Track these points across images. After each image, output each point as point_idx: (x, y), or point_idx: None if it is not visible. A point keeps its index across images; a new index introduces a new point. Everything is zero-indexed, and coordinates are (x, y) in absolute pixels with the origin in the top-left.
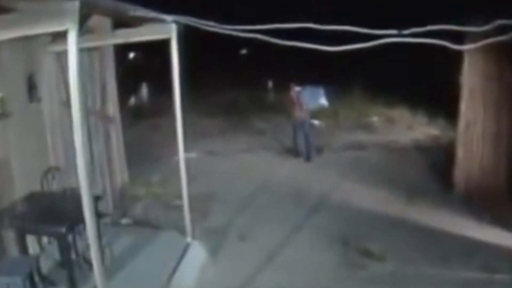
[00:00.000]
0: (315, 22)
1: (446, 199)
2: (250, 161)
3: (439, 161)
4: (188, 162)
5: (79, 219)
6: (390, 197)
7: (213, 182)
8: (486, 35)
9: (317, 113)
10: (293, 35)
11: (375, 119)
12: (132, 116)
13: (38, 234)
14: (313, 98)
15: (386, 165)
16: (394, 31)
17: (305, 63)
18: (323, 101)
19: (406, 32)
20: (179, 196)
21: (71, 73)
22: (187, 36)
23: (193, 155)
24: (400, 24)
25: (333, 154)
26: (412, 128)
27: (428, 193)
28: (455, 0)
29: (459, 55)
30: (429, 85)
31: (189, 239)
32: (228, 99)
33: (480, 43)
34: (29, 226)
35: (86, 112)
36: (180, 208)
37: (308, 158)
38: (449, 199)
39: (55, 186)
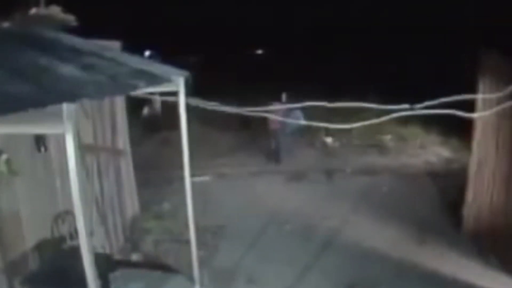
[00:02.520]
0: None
1: (455, 238)
2: (260, 188)
3: (451, 192)
4: (199, 186)
5: None
6: (400, 235)
7: (223, 212)
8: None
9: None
10: None
11: (388, 137)
12: (144, 130)
13: None
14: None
15: (398, 195)
16: (406, 105)
17: (321, 76)
18: (298, 116)
19: (419, 106)
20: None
21: (72, 174)
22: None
23: (203, 178)
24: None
25: (344, 180)
26: (424, 147)
27: (437, 231)
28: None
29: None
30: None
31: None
32: (240, 114)
33: (493, 110)
34: None
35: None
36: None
37: (277, 161)
38: (458, 239)
39: (65, 229)
